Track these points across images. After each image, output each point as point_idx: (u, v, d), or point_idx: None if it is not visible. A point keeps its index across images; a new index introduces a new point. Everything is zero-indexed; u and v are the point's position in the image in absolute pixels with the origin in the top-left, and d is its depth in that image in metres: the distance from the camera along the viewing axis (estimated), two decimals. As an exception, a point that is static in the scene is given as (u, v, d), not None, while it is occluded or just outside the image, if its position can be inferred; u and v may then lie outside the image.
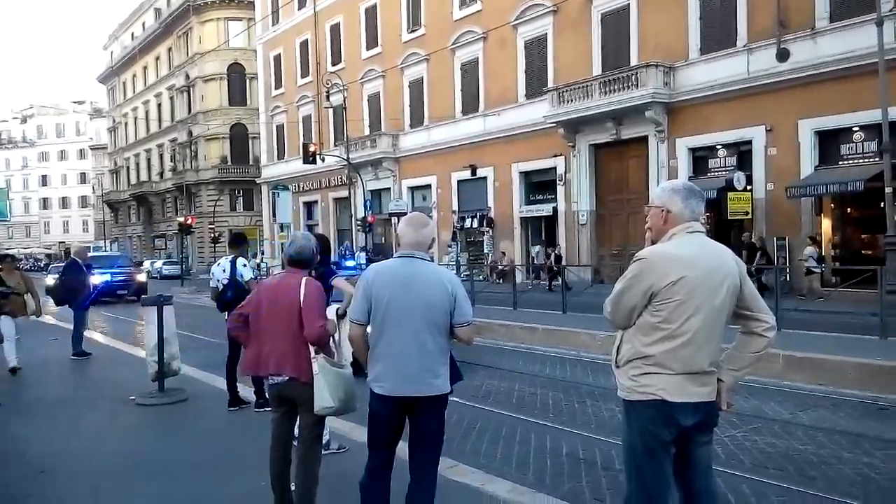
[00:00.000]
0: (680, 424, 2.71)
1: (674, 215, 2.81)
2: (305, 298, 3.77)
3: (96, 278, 22.86)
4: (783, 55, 18.64)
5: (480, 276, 24.34)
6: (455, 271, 25.47)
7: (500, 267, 25.11)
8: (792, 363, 8.37)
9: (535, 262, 25.05)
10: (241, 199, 50.79)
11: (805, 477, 4.88)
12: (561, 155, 24.63)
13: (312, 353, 3.75)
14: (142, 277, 25.87)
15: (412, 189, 32.34)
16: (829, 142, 18.22)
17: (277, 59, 41.86)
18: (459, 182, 29.45)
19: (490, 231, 27.83)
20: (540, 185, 26.38)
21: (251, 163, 49.43)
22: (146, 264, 41.98)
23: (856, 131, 17.54)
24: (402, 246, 3.45)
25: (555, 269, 21.50)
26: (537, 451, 5.65)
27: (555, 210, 25.15)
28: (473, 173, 28.25)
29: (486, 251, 28.16)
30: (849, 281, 14.07)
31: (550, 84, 24.57)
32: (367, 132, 33.87)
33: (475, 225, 28.43)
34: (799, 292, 16.01)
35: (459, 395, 6.20)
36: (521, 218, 26.72)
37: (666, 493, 2.78)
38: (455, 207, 29.62)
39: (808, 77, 17.95)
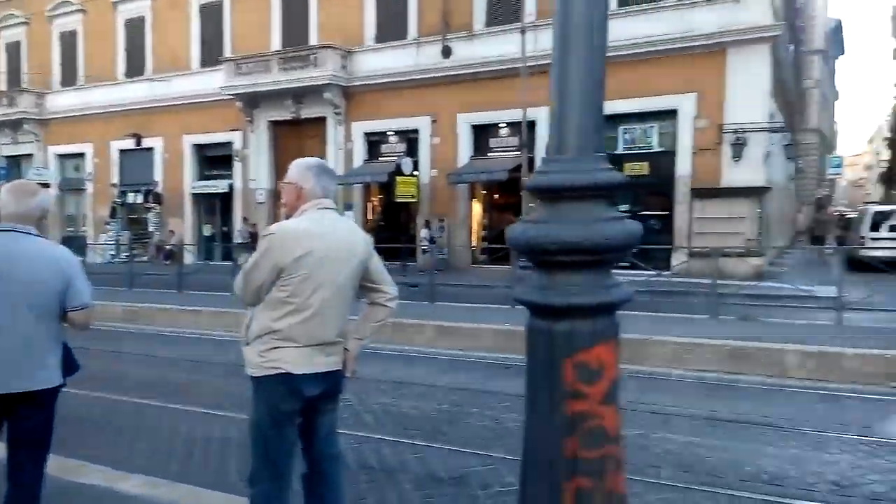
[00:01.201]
0: (305, 395, 2.77)
1: (306, 192, 2.85)
2: None
3: None
4: (446, 52, 20.43)
5: (145, 257, 22.45)
6: (115, 251, 23.13)
7: (167, 247, 23.32)
8: (440, 332, 9.25)
9: (241, 238, 23.33)
10: None
11: (439, 433, 5.40)
12: (238, 129, 23.77)
13: None
14: None
15: (62, 157, 28.43)
16: (482, 135, 20.54)
17: None
18: (122, 152, 26.71)
19: (157, 207, 25.69)
20: (215, 160, 25.15)
21: None
22: None
23: (502, 127, 20.04)
24: (2, 218, 2.91)
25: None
26: (183, 440, 5.33)
27: (231, 187, 24.22)
28: (138, 143, 25.80)
29: (151, 229, 25.94)
30: (493, 257, 16.14)
31: (227, 53, 23.50)
32: (2, 88, 28.68)
33: (139, 200, 26.05)
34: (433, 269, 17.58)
35: (87, 386, 5.54)
36: (192, 194, 25.19)
37: (290, 463, 2.84)
38: (116, 180, 26.83)
39: (467, 75, 19.96)
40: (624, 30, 17.58)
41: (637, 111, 18.02)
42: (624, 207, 18.50)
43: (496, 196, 21.67)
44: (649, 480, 4.31)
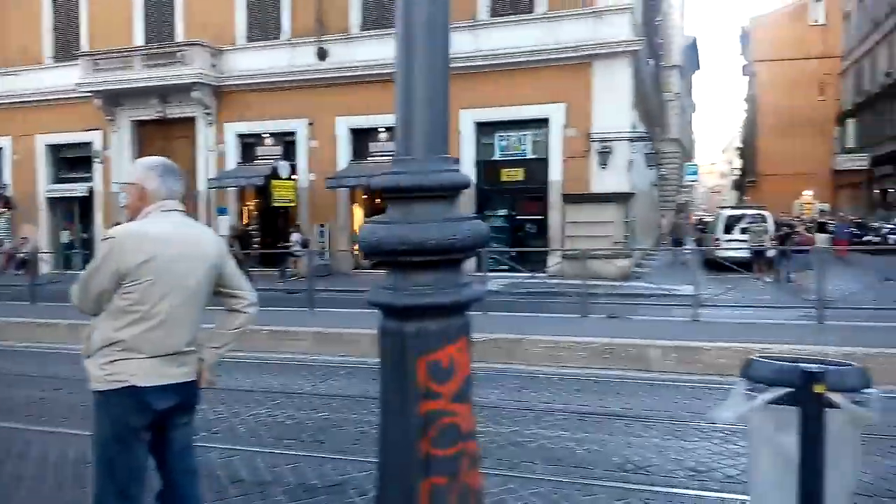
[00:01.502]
0: (154, 409, 2.60)
1: (150, 193, 2.70)
2: None
3: None
4: (322, 54, 20.13)
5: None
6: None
7: (19, 255, 21.42)
8: (319, 339, 9.07)
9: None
10: None
11: (316, 442, 5.26)
12: (98, 129, 22.26)
13: None
14: None
15: None
16: (362, 139, 20.41)
17: None
18: (-34, 152, 24.26)
19: (7, 212, 23.61)
20: (73, 162, 23.44)
21: None
22: None
23: (382, 132, 20.00)
24: None
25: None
26: (34, 462, 4.88)
27: (91, 190, 22.64)
28: (-16, 143, 23.57)
29: (1, 236, 23.77)
30: (375, 262, 16.09)
31: (84, 48, 21.96)
32: None
33: (-13, 205, 23.80)
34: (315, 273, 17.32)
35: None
36: (48, 198, 23.34)
37: (139, 483, 2.65)
38: (-42, 183, 24.29)
39: (345, 78, 19.75)
40: (497, 40, 18.11)
41: (512, 119, 18.56)
42: (502, 212, 19.05)
43: (377, 200, 21.57)
44: (522, 476, 4.41)
